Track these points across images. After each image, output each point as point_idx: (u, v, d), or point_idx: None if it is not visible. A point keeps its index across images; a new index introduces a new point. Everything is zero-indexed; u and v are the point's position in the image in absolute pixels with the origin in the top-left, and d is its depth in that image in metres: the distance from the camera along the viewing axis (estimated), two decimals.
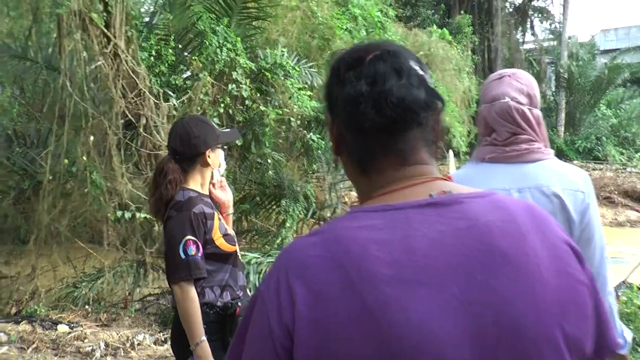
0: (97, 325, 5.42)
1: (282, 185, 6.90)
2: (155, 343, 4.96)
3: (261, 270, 5.82)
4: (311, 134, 7.05)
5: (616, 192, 20.13)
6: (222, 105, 5.93)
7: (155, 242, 5.71)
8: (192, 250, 2.30)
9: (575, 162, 22.34)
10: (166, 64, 5.80)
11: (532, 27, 27.43)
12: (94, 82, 5.80)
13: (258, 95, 6.39)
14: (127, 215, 5.26)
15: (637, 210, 19.66)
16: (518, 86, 1.83)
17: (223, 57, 5.92)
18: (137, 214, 5.29)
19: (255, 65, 6.39)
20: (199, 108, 5.78)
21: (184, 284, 2.29)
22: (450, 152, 18.81)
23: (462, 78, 18.63)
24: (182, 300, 2.30)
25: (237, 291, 2.49)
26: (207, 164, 2.48)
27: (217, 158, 2.53)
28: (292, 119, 6.57)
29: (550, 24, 27.26)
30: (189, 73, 6.20)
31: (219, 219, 2.51)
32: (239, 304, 2.44)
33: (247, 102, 6.20)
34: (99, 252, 6.62)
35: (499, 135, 1.83)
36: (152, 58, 5.69)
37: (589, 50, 25.69)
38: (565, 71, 24.65)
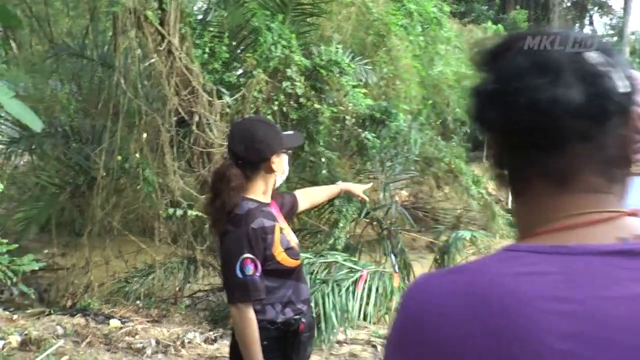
0: (148, 321, 5.41)
1: None
2: (205, 342, 4.90)
3: (313, 270, 5.71)
4: (366, 132, 6.88)
5: None
6: (276, 103, 5.82)
7: (207, 240, 5.66)
8: (249, 269, 2.12)
9: None
10: (220, 61, 5.73)
11: (591, 23, 26.38)
12: (147, 80, 5.80)
13: (312, 92, 6.26)
14: (179, 212, 5.22)
15: None
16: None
17: (277, 54, 5.81)
18: (189, 212, 5.24)
19: (309, 62, 6.26)
20: (252, 106, 5.69)
21: (241, 305, 2.15)
22: None
23: None
24: (239, 322, 2.17)
25: (299, 305, 2.33)
26: (271, 170, 2.29)
27: (281, 164, 2.34)
28: (347, 117, 6.42)
29: (611, 19, 26.16)
30: (242, 70, 6.14)
31: (281, 231, 2.31)
32: (303, 319, 2.30)
33: (301, 99, 6.08)
34: (151, 247, 6.66)
35: None
36: (205, 55, 5.63)
37: None
38: None
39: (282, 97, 5.91)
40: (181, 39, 5.32)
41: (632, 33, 25.34)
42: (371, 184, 3.15)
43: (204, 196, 5.50)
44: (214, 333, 5.07)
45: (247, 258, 2.12)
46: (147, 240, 6.90)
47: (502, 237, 13.52)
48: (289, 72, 5.95)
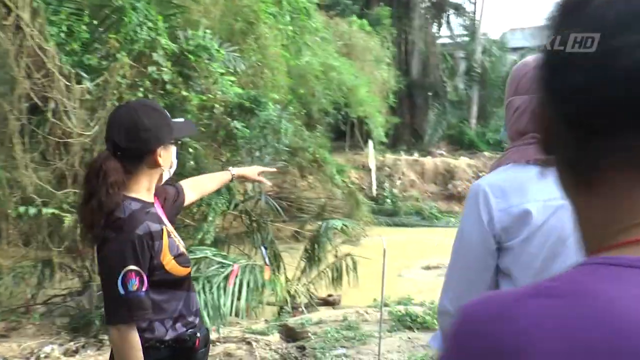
0: None
1: None
2: (65, 354, 4.45)
3: None
4: (235, 122, 6.70)
5: None
6: (141, 89, 5.45)
7: (65, 240, 5.16)
8: (133, 284, 1.80)
9: (485, 153, 23.20)
10: (79, 42, 5.24)
11: (448, 22, 28.00)
12: None
13: (180, 79, 5.95)
14: (32, 211, 4.69)
15: None
16: None
17: (143, 37, 5.45)
18: (44, 210, 4.73)
19: (177, 46, 5.94)
20: (115, 92, 5.27)
21: (122, 327, 1.81)
22: (370, 142, 18.95)
23: (381, 69, 18.74)
24: (120, 346, 1.83)
25: (190, 318, 2.05)
26: (156, 164, 1.96)
27: (169, 157, 2.02)
28: (215, 105, 6.18)
29: (465, 20, 27.91)
30: (104, 53, 5.65)
31: (169, 235, 1.99)
32: (198, 334, 2.04)
33: (168, 86, 5.75)
34: None
35: None
36: (62, 34, 5.12)
37: (500, 47, 26.65)
38: (479, 66, 25.45)
39: (147, 83, 5.55)
40: (33, 14, 4.75)
41: (484, 34, 27.27)
42: (274, 168, 2.89)
43: (61, 192, 5.04)
44: (75, 343, 4.65)
45: (131, 271, 1.80)
46: None
47: (367, 225, 14.02)
48: (155, 56, 5.60)
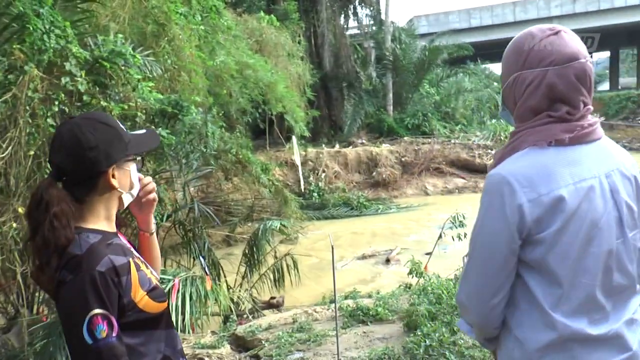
0: None
1: None
2: None
3: None
4: (160, 129, 6.38)
5: (444, 163, 21.68)
6: (57, 103, 5.04)
7: None
8: (101, 330, 1.51)
9: (405, 138, 23.69)
10: None
11: (355, 14, 28.25)
12: None
13: (97, 89, 5.56)
14: None
15: (463, 178, 21.32)
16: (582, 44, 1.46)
17: (52, 45, 5.02)
18: None
19: (89, 54, 5.55)
20: (27, 107, 4.84)
21: None
22: (294, 138, 18.84)
23: (294, 64, 18.65)
24: None
25: None
26: (111, 187, 1.68)
27: (126, 177, 1.73)
28: (138, 113, 5.85)
29: (371, 10, 28.26)
30: (8, 65, 5.18)
31: (138, 268, 1.68)
32: None
33: (85, 97, 5.35)
34: None
35: (574, 108, 1.44)
36: None
37: (409, 34, 27.20)
38: (390, 54, 25.87)
39: (62, 95, 5.14)
40: None
41: (392, 22, 27.71)
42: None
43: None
44: None
45: (96, 315, 1.51)
46: None
47: (297, 220, 13.90)
48: (67, 66, 5.19)
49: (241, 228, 15.26)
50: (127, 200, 1.76)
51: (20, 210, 4.82)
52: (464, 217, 7.50)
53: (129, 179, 1.75)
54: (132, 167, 1.76)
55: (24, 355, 4.78)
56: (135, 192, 1.79)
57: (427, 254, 11.34)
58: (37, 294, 6.30)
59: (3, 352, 5.21)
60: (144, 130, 1.82)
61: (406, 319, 4.96)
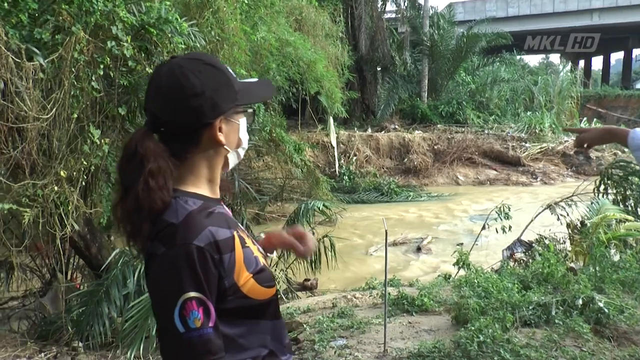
0: None
1: None
2: None
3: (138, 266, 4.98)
4: None
5: (477, 153, 21.29)
6: (102, 66, 4.88)
7: (25, 239, 4.59)
8: (196, 318, 1.23)
9: (439, 125, 23.30)
10: (26, 13, 4.61)
11: None
12: None
13: (142, 55, 5.39)
14: None
15: (495, 170, 20.92)
16: None
17: (99, 8, 4.85)
18: None
19: (136, 19, 5.37)
20: (72, 69, 4.69)
21: None
22: (331, 119, 18.60)
23: (333, 44, 18.34)
24: None
25: (283, 356, 1.47)
26: (217, 143, 1.39)
27: (234, 132, 1.44)
28: None
29: None
30: (56, 26, 5.03)
31: (244, 244, 1.38)
32: None
33: (130, 63, 5.18)
34: None
35: None
36: (5, 4, 4.48)
37: (448, 20, 26.63)
38: (428, 40, 25.37)
39: (107, 59, 4.98)
40: None
41: (431, 7, 27.16)
42: None
43: (18, 184, 4.47)
44: (46, 354, 4.08)
45: (191, 299, 1.24)
46: None
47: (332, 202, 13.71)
48: (114, 29, 5.02)
49: (270, 207, 15.18)
50: (233, 160, 1.49)
51: (62, 173, 4.70)
52: (509, 209, 7.23)
53: (238, 135, 1.46)
54: (241, 120, 1.47)
55: (60, 322, 4.68)
56: (243, 151, 1.51)
57: (458, 244, 11.10)
58: (71, 260, 6.23)
59: (40, 315, 5.13)
60: (255, 79, 1.52)
61: (454, 311, 4.73)
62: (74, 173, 4.93)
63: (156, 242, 1.28)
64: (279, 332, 1.48)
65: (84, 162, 4.91)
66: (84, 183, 5.06)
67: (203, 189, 1.41)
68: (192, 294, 1.24)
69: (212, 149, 1.41)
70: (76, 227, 5.02)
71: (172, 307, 1.23)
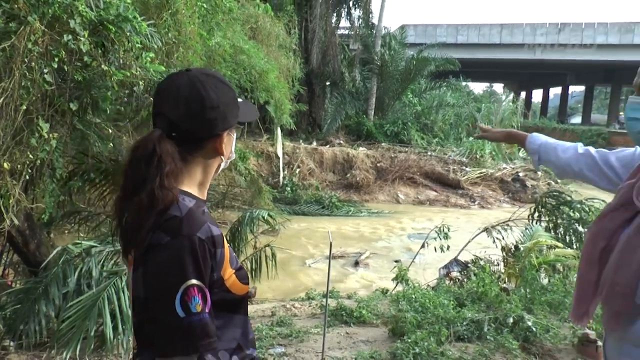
0: None
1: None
2: None
3: (102, 260, 4.91)
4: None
5: (418, 174, 21.77)
6: (56, 59, 4.81)
7: None
8: (197, 303, 1.36)
9: (383, 144, 23.72)
10: None
11: (348, 14, 28.12)
12: None
13: (98, 51, 5.34)
14: None
15: (435, 191, 21.46)
16: None
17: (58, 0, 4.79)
18: None
19: (95, 15, 5.32)
20: (25, 60, 4.60)
21: None
22: (278, 130, 18.65)
23: (286, 55, 18.46)
24: None
25: (249, 351, 1.60)
26: (217, 153, 1.56)
27: (230, 144, 1.62)
28: (140, 82, 5.63)
29: (364, 13, 28.17)
30: (9, 14, 4.92)
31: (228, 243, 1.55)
32: None
33: (85, 58, 5.12)
34: None
35: None
36: None
37: (400, 42, 27.24)
38: (379, 59, 25.87)
39: (63, 53, 4.91)
40: None
41: (385, 27, 27.74)
42: None
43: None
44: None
45: (193, 286, 1.36)
46: None
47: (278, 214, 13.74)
48: (72, 23, 4.95)
49: (212, 213, 15.08)
50: (222, 167, 1.66)
51: (5, 165, 4.59)
52: (448, 229, 7.49)
53: (231, 147, 1.64)
54: (234, 135, 1.65)
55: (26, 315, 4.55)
56: (229, 162, 1.68)
57: (395, 261, 11.35)
58: (4, 256, 6.05)
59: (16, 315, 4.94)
60: (241, 100, 1.66)
61: (391, 324, 4.88)
62: (18, 166, 4.82)
63: (159, 233, 1.39)
64: (246, 327, 1.61)
65: (30, 156, 4.80)
66: (27, 177, 4.95)
67: (194, 190, 1.55)
68: (194, 281, 1.36)
69: (212, 156, 1.57)
70: (16, 221, 4.89)
71: (174, 293, 1.35)
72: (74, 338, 4.26)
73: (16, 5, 4.68)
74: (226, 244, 1.52)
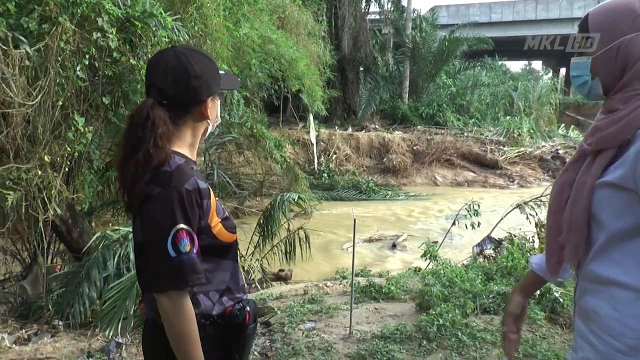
0: None
1: None
2: (17, 343, 4.09)
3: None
4: None
5: (455, 155, 21.60)
6: (87, 56, 5.06)
7: (7, 221, 4.74)
8: (185, 244, 1.59)
9: (419, 127, 23.59)
10: (13, 2, 4.77)
11: None
12: None
13: (127, 47, 5.57)
14: None
15: (473, 172, 21.26)
16: None
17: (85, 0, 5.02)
18: None
19: (122, 12, 5.54)
20: (58, 58, 4.86)
21: (175, 294, 1.60)
22: (311, 117, 18.81)
23: (315, 43, 18.54)
24: (173, 316, 1.60)
25: (238, 294, 1.83)
26: (203, 117, 1.81)
27: (214, 109, 1.86)
28: None
29: None
30: (42, 16, 5.18)
31: (216, 197, 1.78)
32: (247, 308, 1.78)
33: (114, 54, 5.36)
34: None
35: None
36: None
37: (431, 23, 26.97)
38: (410, 42, 25.69)
39: (93, 50, 5.15)
40: None
41: (414, 10, 27.49)
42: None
43: (2, 167, 4.62)
44: (26, 331, 4.29)
45: (182, 230, 1.60)
46: None
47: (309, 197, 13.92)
48: (100, 21, 5.19)
49: (250, 202, 15.34)
50: (209, 130, 1.90)
51: (46, 158, 4.86)
52: (478, 206, 7.51)
53: (216, 112, 1.88)
54: (218, 101, 1.89)
55: (41, 302, 4.85)
56: (216, 125, 1.92)
57: (433, 242, 11.36)
58: (52, 245, 6.37)
59: (19, 298, 5.28)
60: (223, 71, 1.90)
61: (419, 298, 4.99)
62: (58, 159, 5.10)
63: (152, 185, 1.65)
64: (236, 273, 1.84)
65: (68, 149, 5.07)
66: (67, 169, 5.23)
67: (184, 150, 1.78)
68: (182, 225, 1.61)
69: (199, 120, 1.83)
70: (59, 211, 5.18)
71: (166, 236, 1.59)
72: (115, 318, 4.53)
73: (48, 7, 4.92)
74: (213, 196, 1.74)
